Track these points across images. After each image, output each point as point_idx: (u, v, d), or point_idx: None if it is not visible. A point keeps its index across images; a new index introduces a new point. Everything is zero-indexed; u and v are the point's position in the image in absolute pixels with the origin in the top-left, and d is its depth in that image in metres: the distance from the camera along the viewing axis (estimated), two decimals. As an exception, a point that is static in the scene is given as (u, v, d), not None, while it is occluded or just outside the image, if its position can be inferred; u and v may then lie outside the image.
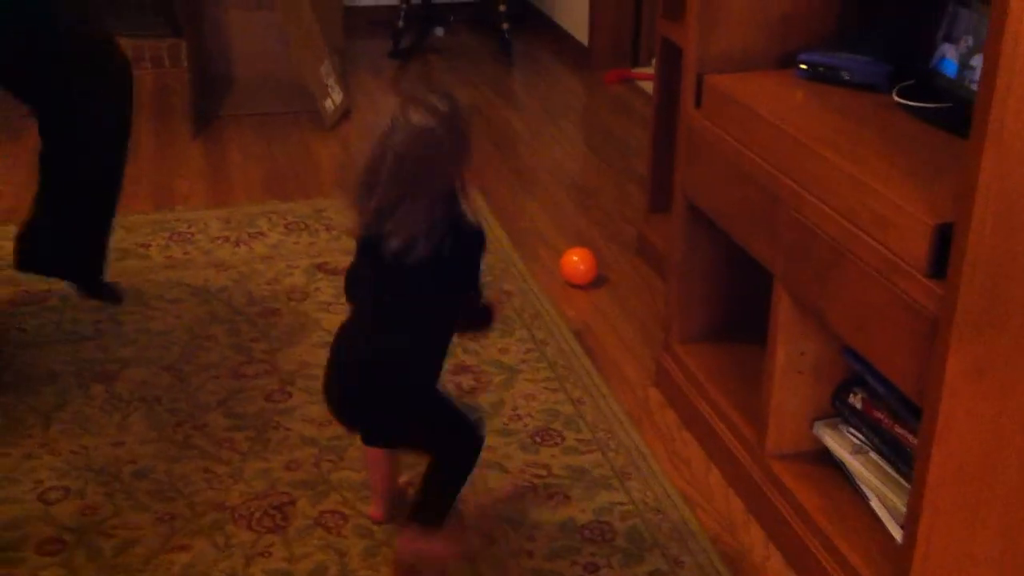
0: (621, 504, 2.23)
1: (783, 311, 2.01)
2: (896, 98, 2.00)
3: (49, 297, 2.95)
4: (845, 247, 1.76)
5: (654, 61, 4.65)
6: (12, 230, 3.27)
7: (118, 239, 3.27)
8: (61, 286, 2.99)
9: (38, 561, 2.06)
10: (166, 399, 2.54)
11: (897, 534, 1.90)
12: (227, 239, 3.30)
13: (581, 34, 4.96)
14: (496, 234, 3.36)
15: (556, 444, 2.42)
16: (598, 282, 3.11)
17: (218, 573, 2.04)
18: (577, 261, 3.10)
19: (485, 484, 2.27)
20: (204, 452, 2.36)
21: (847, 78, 2.09)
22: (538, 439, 2.43)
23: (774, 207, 1.97)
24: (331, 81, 4.26)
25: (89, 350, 2.71)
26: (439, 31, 5.34)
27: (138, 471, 2.30)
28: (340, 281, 3.02)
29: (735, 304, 2.52)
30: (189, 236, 3.31)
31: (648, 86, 4.57)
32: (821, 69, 2.12)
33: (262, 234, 3.34)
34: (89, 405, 2.51)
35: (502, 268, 3.15)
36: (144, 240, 3.28)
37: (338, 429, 2.42)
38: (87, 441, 2.39)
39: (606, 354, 2.78)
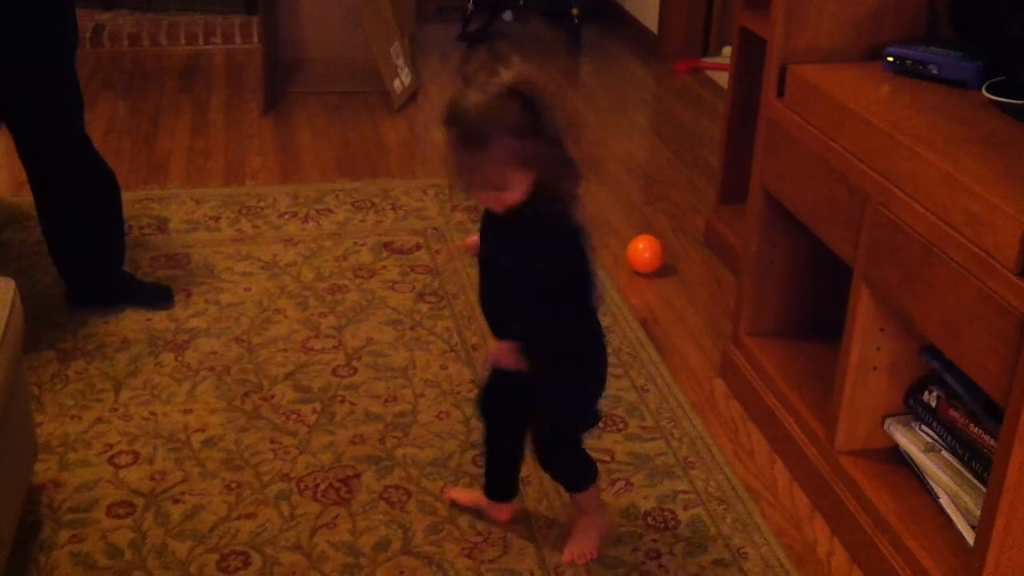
0: (684, 493, 2.23)
1: (862, 307, 1.99)
2: (987, 94, 1.97)
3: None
4: (934, 245, 1.74)
5: (725, 50, 4.65)
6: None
7: (189, 210, 3.32)
8: (134, 255, 3.04)
9: (108, 523, 2.10)
10: (235, 370, 2.57)
11: (968, 535, 1.88)
12: (295, 215, 3.33)
13: (651, 23, 4.93)
14: (562, 220, 3.35)
15: (619, 430, 2.41)
16: (665, 271, 3.10)
17: (283, 542, 2.06)
18: (643, 249, 3.09)
19: (549, 467, 2.28)
20: (271, 423, 2.39)
21: (935, 73, 2.06)
22: (601, 425, 2.42)
23: (860, 202, 1.94)
24: (400, 62, 4.28)
25: (160, 320, 2.75)
26: (508, 16, 5.34)
27: (207, 439, 2.33)
28: (406, 261, 3.05)
29: (806, 298, 2.49)
30: (258, 211, 3.34)
31: (718, 76, 4.54)
32: (909, 63, 2.09)
33: (330, 211, 3.37)
34: (159, 373, 2.55)
35: (567, 254, 3.15)
36: (214, 213, 3.32)
37: (402, 406, 2.44)
38: (157, 408, 2.42)
39: (671, 343, 2.77)
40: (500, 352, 1.82)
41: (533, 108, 1.65)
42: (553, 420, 1.96)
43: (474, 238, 1.92)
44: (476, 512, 2.14)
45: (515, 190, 1.70)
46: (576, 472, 2.03)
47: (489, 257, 1.87)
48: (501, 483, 2.11)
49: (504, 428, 2.05)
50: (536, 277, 1.75)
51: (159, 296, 2.82)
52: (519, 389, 1.93)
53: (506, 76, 1.65)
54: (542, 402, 1.93)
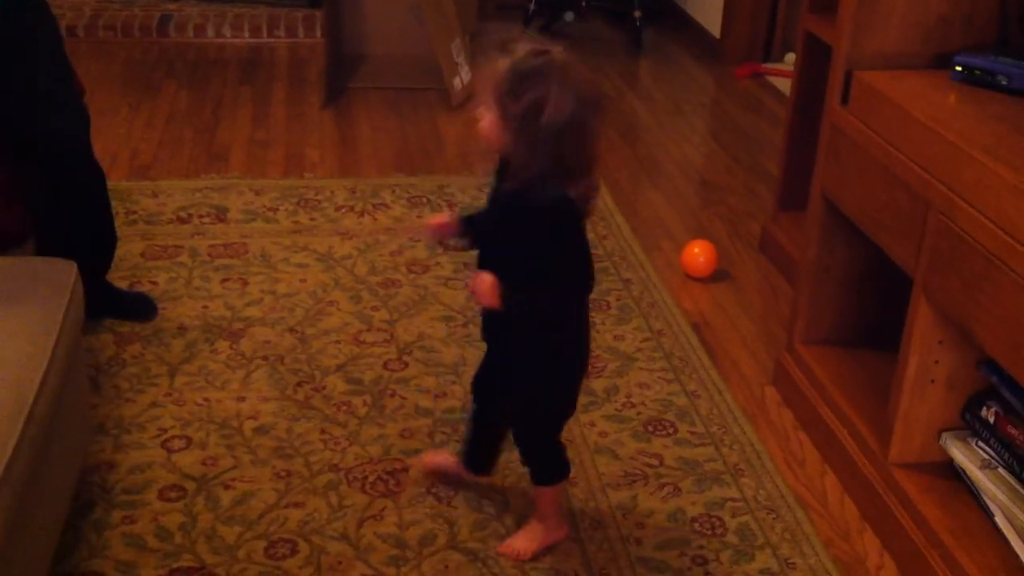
0: (733, 500, 2.21)
1: (920, 318, 1.96)
2: (1057, 106, 1.93)
3: (180, 253, 3.03)
4: (998, 257, 1.71)
5: (788, 57, 4.61)
6: (149, 186, 3.40)
7: (248, 200, 3.35)
8: (193, 243, 3.08)
9: (160, 506, 2.12)
10: (288, 359, 2.59)
11: (1023, 554, 1.85)
12: (352, 208, 3.35)
13: (713, 27, 4.90)
14: (617, 222, 3.34)
15: (669, 435, 2.40)
16: (719, 276, 3.08)
17: (331, 531, 2.08)
18: (698, 253, 3.07)
19: (596, 469, 2.27)
20: (322, 414, 2.40)
21: (1004, 83, 2.03)
22: (651, 428, 2.42)
23: (923, 212, 1.92)
24: (461, 59, 4.29)
25: (216, 307, 2.78)
26: (569, 16, 5.33)
27: (259, 427, 2.35)
28: (460, 257, 3.06)
29: (862, 307, 2.47)
30: (316, 203, 3.37)
31: (780, 83, 4.50)
32: (977, 73, 2.05)
33: (386, 206, 3.38)
34: (214, 360, 2.57)
35: (621, 256, 3.14)
36: (273, 204, 3.35)
37: (452, 402, 2.45)
38: (211, 394, 2.45)
39: (723, 349, 2.75)
40: (482, 284, 1.78)
41: (526, 78, 1.69)
42: (529, 394, 1.97)
43: (440, 219, 1.97)
44: (445, 475, 2.20)
45: (487, 129, 1.77)
46: (545, 462, 2.03)
47: (487, 234, 1.91)
48: (477, 459, 2.16)
49: (490, 416, 2.09)
50: (528, 254, 1.80)
51: (141, 307, 2.74)
52: (509, 380, 1.98)
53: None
54: (519, 377, 1.95)
